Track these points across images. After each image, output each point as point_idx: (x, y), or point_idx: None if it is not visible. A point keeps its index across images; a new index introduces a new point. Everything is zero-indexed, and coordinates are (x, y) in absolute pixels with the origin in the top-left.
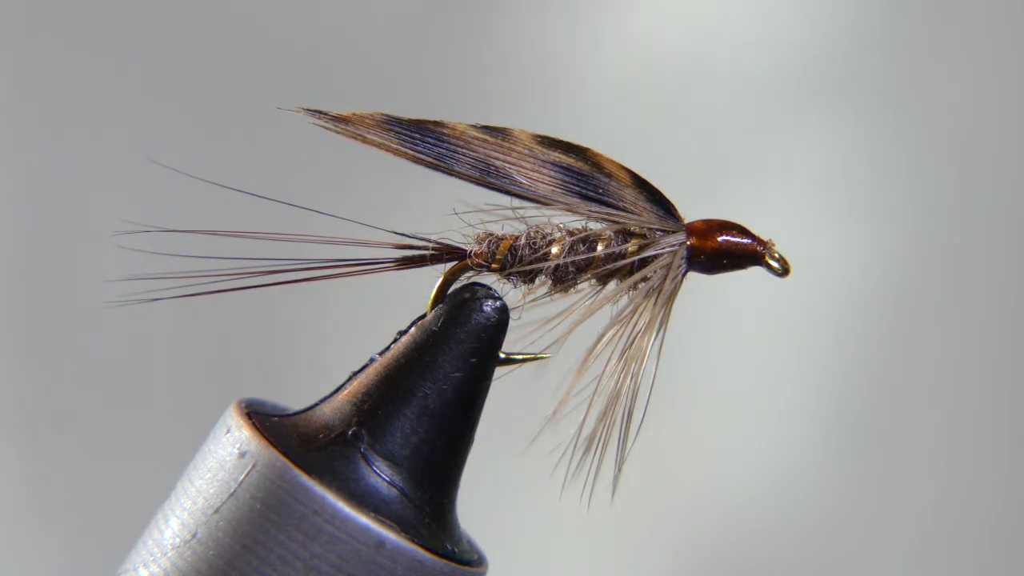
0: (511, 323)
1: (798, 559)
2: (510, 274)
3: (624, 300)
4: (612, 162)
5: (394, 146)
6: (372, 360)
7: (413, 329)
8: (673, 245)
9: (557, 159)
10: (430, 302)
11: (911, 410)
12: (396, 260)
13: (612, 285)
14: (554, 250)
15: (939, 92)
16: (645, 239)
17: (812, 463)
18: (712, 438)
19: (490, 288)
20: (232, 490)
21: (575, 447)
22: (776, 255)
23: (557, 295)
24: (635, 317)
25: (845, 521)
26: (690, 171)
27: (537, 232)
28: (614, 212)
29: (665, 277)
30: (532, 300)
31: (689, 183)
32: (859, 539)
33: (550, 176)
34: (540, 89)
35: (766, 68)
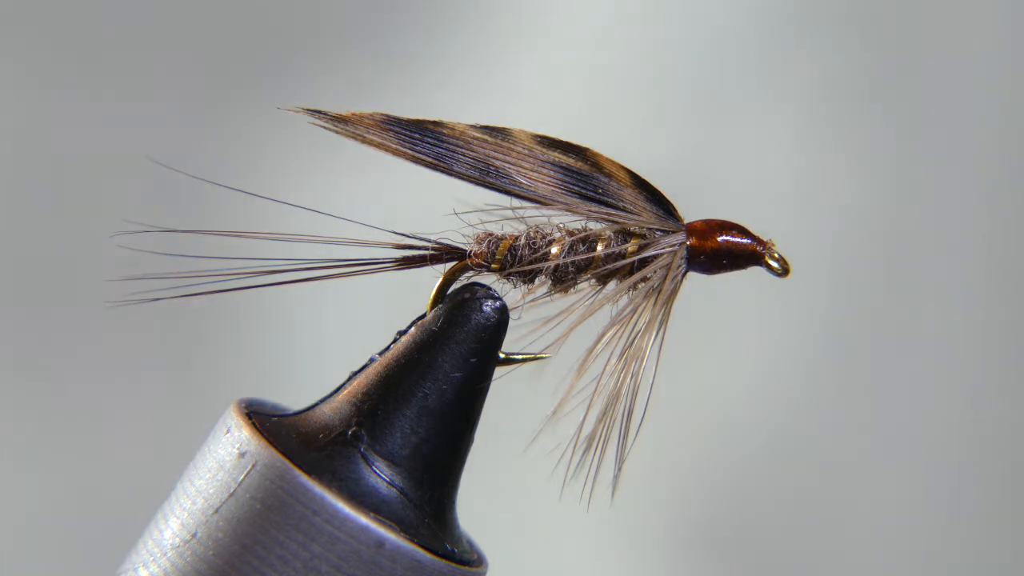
0: (511, 323)
1: (790, 506)
2: (510, 274)
3: (624, 300)
4: (612, 162)
5: (394, 146)
6: (372, 360)
7: (413, 329)
8: (673, 245)
9: (557, 159)
10: (430, 302)
11: (900, 347)
12: (396, 260)
13: (612, 285)
14: (554, 250)
15: (921, 33)
16: (645, 239)
17: (800, 402)
18: (702, 386)
19: (490, 288)
20: (232, 490)
21: (575, 447)
22: (776, 255)
23: (557, 295)
24: (635, 317)
25: (832, 464)
26: (665, 111)
27: (537, 232)
28: (614, 212)
29: (665, 277)
30: (532, 300)
31: (665, 126)
32: (848, 482)
33: (550, 176)
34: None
35: (733, 25)
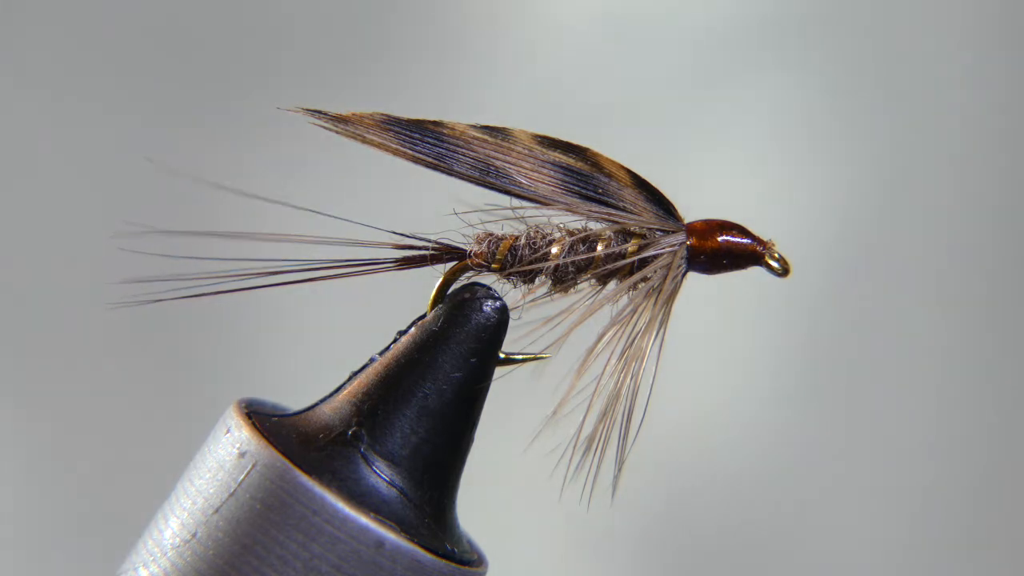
0: (511, 323)
1: (759, 515)
2: (510, 274)
3: (624, 300)
4: (612, 162)
5: (394, 146)
6: (372, 360)
7: (413, 329)
8: (673, 245)
9: (557, 159)
10: (430, 302)
11: (871, 357)
12: (396, 260)
13: (612, 285)
14: (554, 250)
15: (893, 41)
16: (645, 239)
17: (771, 411)
18: (672, 390)
19: (490, 288)
20: (232, 490)
21: (575, 447)
22: (776, 255)
23: (557, 295)
24: (635, 317)
25: (803, 471)
26: (640, 119)
27: (537, 232)
28: (614, 212)
29: (665, 277)
30: (532, 300)
31: (640, 133)
32: (817, 487)
33: (550, 176)
34: (485, 34)
35: (718, 21)
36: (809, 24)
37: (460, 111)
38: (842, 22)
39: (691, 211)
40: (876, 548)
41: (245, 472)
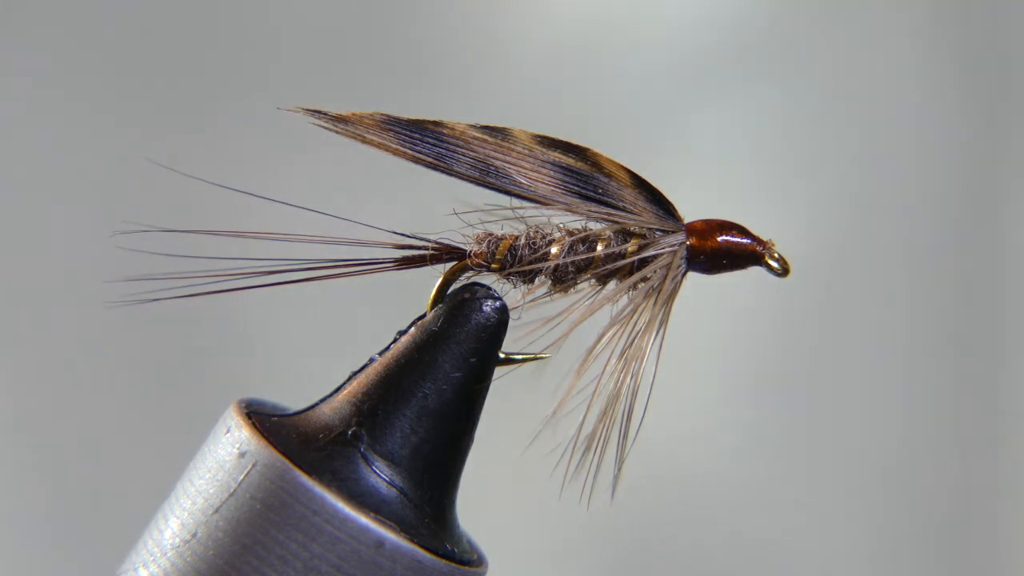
0: (511, 323)
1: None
2: (510, 274)
3: (624, 300)
4: (612, 162)
5: (394, 146)
6: (372, 360)
7: (413, 329)
8: (673, 245)
9: (557, 159)
10: (430, 302)
11: (840, 373)
12: (396, 260)
13: (612, 285)
14: (554, 250)
15: (856, 63)
16: (645, 239)
17: (741, 428)
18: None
19: (490, 288)
20: (232, 490)
21: (575, 447)
22: (776, 255)
23: (557, 295)
24: (635, 317)
25: (773, 486)
26: (615, 140)
27: (537, 232)
28: (614, 212)
29: (665, 277)
30: (532, 300)
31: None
32: (785, 503)
33: (550, 176)
34: (464, 58)
35: (690, 41)
36: (781, 39)
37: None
38: (812, 37)
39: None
40: (860, 557)
41: (245, 472)
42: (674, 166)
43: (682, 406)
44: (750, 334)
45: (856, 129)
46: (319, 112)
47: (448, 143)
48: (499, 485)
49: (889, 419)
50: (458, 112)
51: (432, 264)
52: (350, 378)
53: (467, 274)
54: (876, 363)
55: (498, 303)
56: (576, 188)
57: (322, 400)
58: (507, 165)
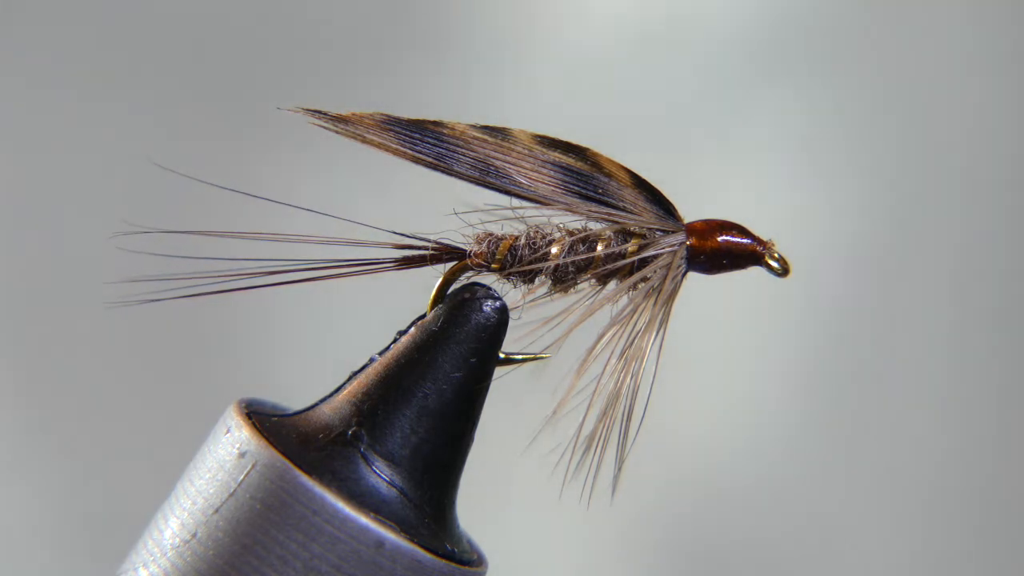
0: (511, 323)
1: (774, 527)
2: (510, 274)
3: (624, 300)
4: (612, 162)
5: (394, 146)
6: (372, 360)
7: (413, 329)
8: (673, 245)
9: (557, 159)
10: (430, 302)
11: (885, 369)
12: (396, 260)
13: (612, 285)
14: (554, 250)
15: (903, 57)
16: (645, 239)
17: (785, 423)
18: (686, 401)
19: (490, 288)
20: (232, 490)
21: (575, 447)
22: (776, 255)
23: (557, 295)
24: (635, 317)
25: (818, 481)
26: (657, 143)
27: (537, 232)
28: (614, 212)
29: (665, 277)
30: (532, 300)
31: (656, 155)
32: (830, 498)
33: (550, 176)
34: (502, 60)
35: (732, 37)
36: (816, 38)
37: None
38: (849, 36)
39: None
40: (889, 556)
41: (245, 472)
42: (725, 162)
43: (723, 404)
44: (789, 335)
45: (909, 121)
46: (319, 112)
47: (448, 143)
48: (499, 485)
49: (939, 419)
50: (483, 111)
51: (432, 264)
52: (350, 378)
53: (467, 274)
54: (926, 360)
55: (498, 303)
56: (576, 188)
57: (322, 400)
58: (507, 165)
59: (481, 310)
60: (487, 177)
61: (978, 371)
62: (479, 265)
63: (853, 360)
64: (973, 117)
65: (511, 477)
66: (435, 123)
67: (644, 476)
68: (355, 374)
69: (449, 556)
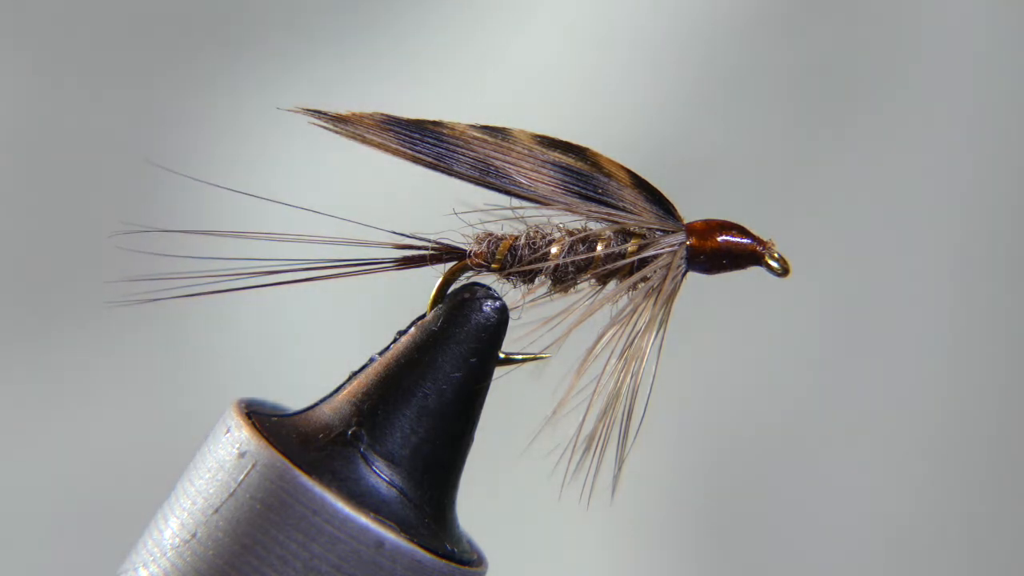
0: (511, 323)
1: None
2: (510, 274)
3: (624, 300)
4: (612, 162)
5: (394, 146)
6: (372, 360)
7: (413, 329)
8: (673, 245)
9: (556, 159)
10: (430, 302)
11: (893, 345)
12: (396, 260)
13: (612, 285)
14: (554, 250)
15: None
16: (645, 239)
17: (797, 397)
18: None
19: (490, 288)
20: (232, 490)
21: (575, 447)
22: (776, 255)
23: (557, 295)
24: (635, 317)
25: (832, 445)
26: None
27: (537, 232)
28: (614, 212)
29: (665, 277)
30: (532, 300)
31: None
32: (845, 461)
33: (549, 176)
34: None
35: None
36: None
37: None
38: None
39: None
40: (898, 542)
41: (245, 472)
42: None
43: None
44: (812, 312)
45: (930, 108)
46: (319, 112)
47: (448, 143)
48: (499, 485)
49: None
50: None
51: (432, 264)
52: (350, 378)
53: (467, 274)
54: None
55: (498, 303)
56: (576, 188)
57: (322, 400)
58: (507, 165)
59: (481, 310)
60: (487, 177)
61: (986, 319)
62: (479, 265)
63: (861, 340)
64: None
65: (511, 477)
66: (435, 123)
67: (653, 461)
68: (355, 374)
69: (449, 556)
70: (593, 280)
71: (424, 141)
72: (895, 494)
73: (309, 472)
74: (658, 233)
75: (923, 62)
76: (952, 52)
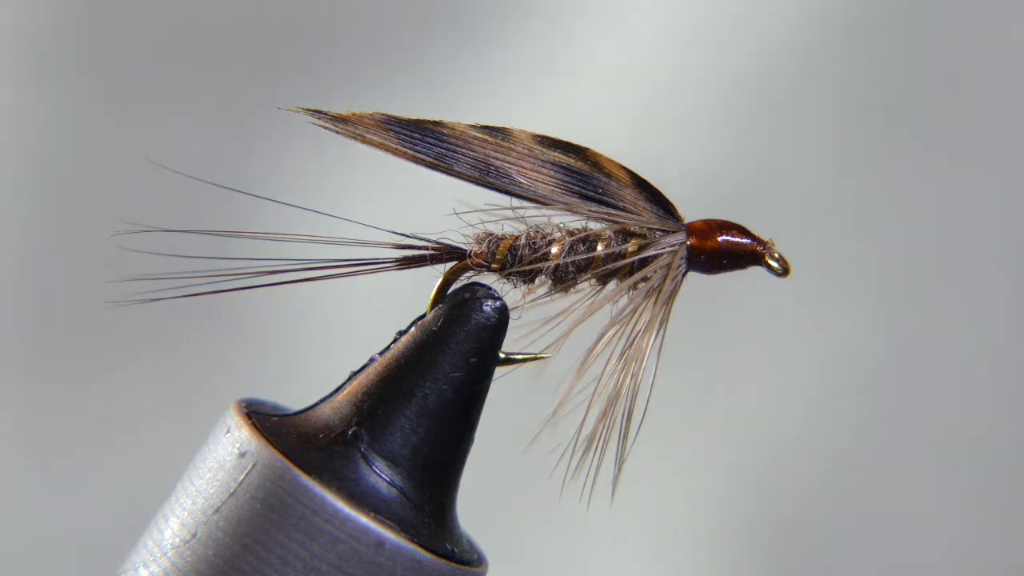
0: (511, 323)
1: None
2: (510, 274)
3: (624, 300)
4: (612, 162)
5: (394, 146)
6: (372, 360)
7: (413, 329)
8: (673, 245)
9: (557, 159)
10: (430, 302)
11: (951, 366)
12: (396, 260)
13: (612, 285)
14: (554, 250)
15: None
16: (645, 239)
17: (852, 417)
18: (751, 391)
19: (490, 288)
20: (232, 490)
21: (575, 447)
22: (776, 255)
23: (557, 295)
24: (635, 317)
25: (881, 470)
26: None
27: (537, 232)
28: (614, 212)
29: (665, 277)
30: (532, 300)
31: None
32: (892, 485)
33: (550, 176)
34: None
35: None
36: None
37: None
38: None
39: None
40: (947, 562)
41: (245, 472)
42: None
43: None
44: (868, 331)
45: (983, 126)
46: (319, 112)
47: (448, 143)
48: (499, 485)
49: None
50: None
51: (432, 264)
52: (350, 378)
53: (467, 274)
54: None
55: (498, 303)
56: (576, 188)
57: (322, 400)
58: (507, 165)
59: (481, 310)
60: (487, 177)
61: None
62: (479, 265)
63: (917, 360)
64: None
65: (511, 477)
66: (435, 123)
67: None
68: (355, 374)
69: (449, 556)
70: (593, 280)
71: (424, 141)
72: (957, 523)
73: (309, 472)
74: (658, 233)
75: (981, 86)
76: (1011, 79)
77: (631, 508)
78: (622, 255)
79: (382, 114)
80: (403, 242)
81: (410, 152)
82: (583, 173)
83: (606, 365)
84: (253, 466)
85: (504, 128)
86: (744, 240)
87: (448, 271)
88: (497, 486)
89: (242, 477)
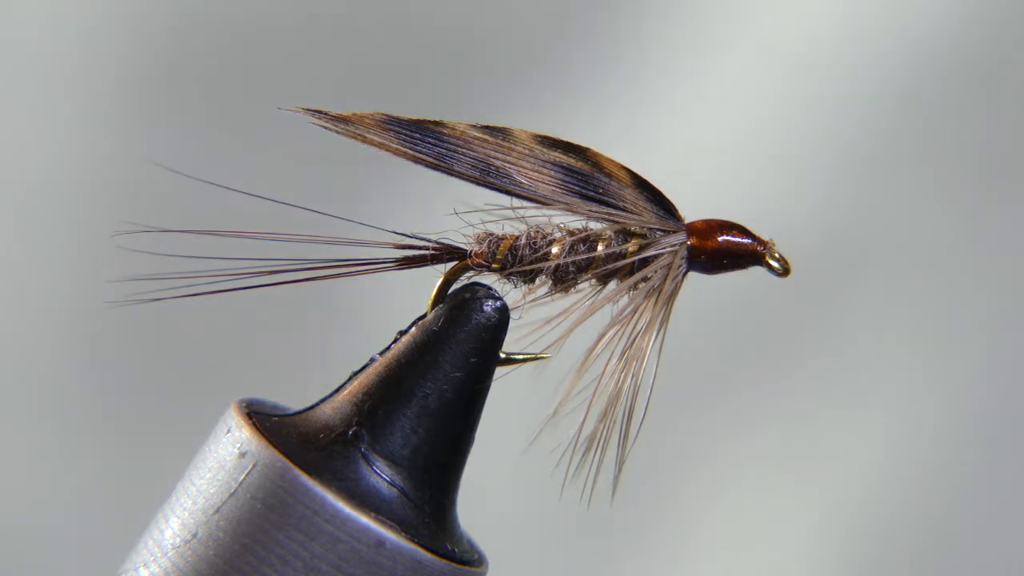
0: (511, 323)
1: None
2: (510, 274)
3: (624, 300)
4: (612, 162)
5: (394, 146)
6: (372, 360)
7: (414, 329)
8: (673, 245)
9: (557, 159)
10: (430, 302)
11: None
12: (397, 260)
13: (612, 285)
14: (554, 250)
15: None
16: (645, 239)
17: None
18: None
19: (490, 288)
20: (232, 490)
21: (575, 447)
22: (776, 255)
23: (557, 295)
24: (635, 317)
25: (984, 514)
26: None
27: (537, 232)
28: (614, 212)
29: (665, 277)
30: (532, 300)
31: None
32: (993, 529)
33: (550, 176)
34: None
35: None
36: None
37: None
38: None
39: None
40: None
41: (245, 472)
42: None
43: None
44: (978, 380)
45: None
46: (319, 112)
47: (448, 143)
48: (499, 485)
49: None
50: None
51: (433, 264)
52: (351, 378)
53: (468, 274)
54: None
55: (499, 303)
56: (576, 188)
57: (323, 400)
58: (508, 165)
59: (482, 310)
60: (487, 177)
61: None
62: (479, 265)
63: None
64: None
65: (511, 477)
66: (435, 123)
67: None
68: (356, 374)
69: (449, 556)
70: (594, 280)
71: (425, 141)
72: None
73: (310, 472)
74: (659, 233)
75: None
76: None
77: (623, 507)
78: (622, 255)
79: (382, 114)
80: (404, 242)
81: (410, 152)
82: (584, 173)
83: (606, 365)
84: (253, 466)
85: (504, 128)
86: (744, 240)
87: (448, 271)
88: (497, 486)
89: (242, 477)
